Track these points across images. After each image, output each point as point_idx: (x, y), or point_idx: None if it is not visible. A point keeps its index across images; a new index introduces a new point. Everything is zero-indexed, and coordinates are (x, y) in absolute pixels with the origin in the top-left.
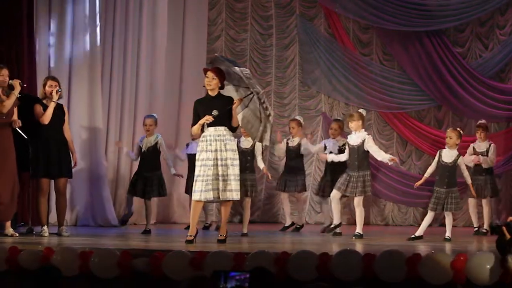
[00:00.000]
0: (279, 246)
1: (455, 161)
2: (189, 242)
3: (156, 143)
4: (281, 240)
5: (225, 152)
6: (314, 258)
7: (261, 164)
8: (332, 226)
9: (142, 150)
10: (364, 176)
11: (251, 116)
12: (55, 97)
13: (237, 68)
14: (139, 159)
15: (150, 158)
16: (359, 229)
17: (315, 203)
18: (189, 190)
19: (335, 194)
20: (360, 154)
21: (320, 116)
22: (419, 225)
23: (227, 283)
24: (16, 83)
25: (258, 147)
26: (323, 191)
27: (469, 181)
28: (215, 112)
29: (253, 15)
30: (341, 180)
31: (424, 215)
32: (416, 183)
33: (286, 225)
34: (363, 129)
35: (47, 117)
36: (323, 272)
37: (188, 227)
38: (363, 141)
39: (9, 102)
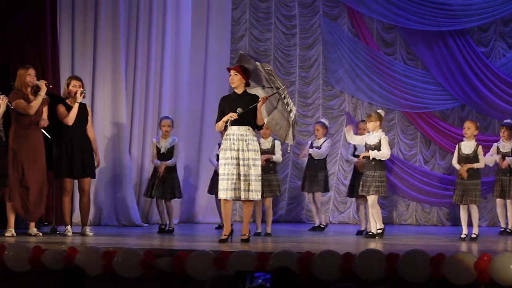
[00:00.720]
0: (302, 246)
1: (475, 151)
2: (223, 241)
3: (173, 146)
4: (305, 240)
5: (247, 152)
6: (338, 258)
7: (279, 159)
8: (375, 232)
9: (161, 151)
10: (381, 176)
11: (279, 117)
12: (79, 98)
13: (258, 63)
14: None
15: (167, 160)
16: (379, 225)
17: (339, 203)
18: (212, 189)
19: (373, 199)
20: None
21: (343, 116)
22: (443, 224)
23: (252, 283)
24: (42, 83)
25: (278, 144)
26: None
27: (480, 165)
28: (239, 110)
29: (276, 14)
30: (360, 182)
31: (448, 214)
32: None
33: (316, 225)
34: (381, 129)
35: (70, 119)
36: (347, 272)
37: (218, 227)
38: (380, 141)
39: (36, 103)
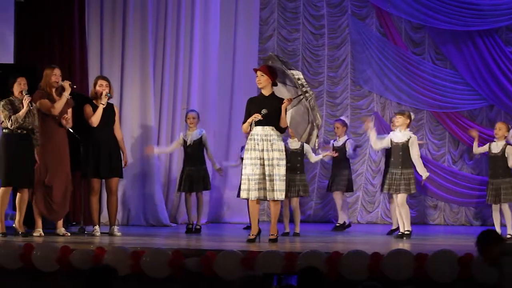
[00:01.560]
0: (330, 246)
1: (503, 150)
2: (251, 241)
3: (201, 138)
4: (333, 240)
5: (271, 152)
6: (366, 258)
7: (315, 159)
8: (403, 232)
9: (187, 143)
10: (408, 174)
11: (298, 116)
12: (103, 100)
13: (289, 71)
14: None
15: (195, 152)
16: (407, 227)
17: (367, 203)
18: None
19: (401, 197)
20: (404, 152)
21: (372, 116)
22: (471, 224)
23: (279, 283)
24: (66, 84)
25: (307, 146)
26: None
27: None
28: (264, 111)
29: (305, 14)
30: (387, 181)
31: (476, 214)
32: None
33: (339, 223)
34: (408, 129)
35: (95, 120)
36: (375, 271)
37: (246, 227)
38: (408, 140)
39: (60, 104)
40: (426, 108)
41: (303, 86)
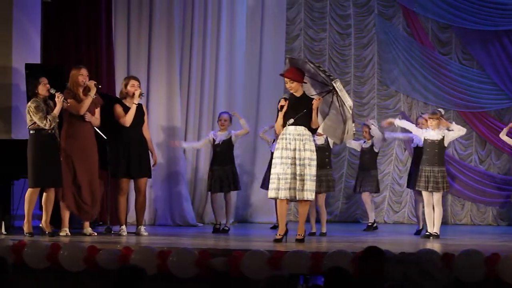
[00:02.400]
0: (357, 246)
1: None
2: (278, 241)
3: (230, 137)
4: (359, 240)
5: (303, 152)
6: None
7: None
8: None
9: (216, 143)
10: (442, 172)
11: (332, 122)
12: (137, 99)
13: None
14: (211, 153)
15: (223, 152)
16: (437, 229)
17: (394, 203)
18: (266, 184)
19: (428, 199)
20: (440, 150)
21: (399, 116)
22: (498, 224)
23: (306, 283)
24: (91, 84)
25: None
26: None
27: None
28: (290, 121)
29: (331, 14)
30: (421, 178)
31: (503, 214)
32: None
33: (369, 224)
34: (440, 127)
35: (128, 120)
36: None
37: (273, 227)
38: (443, 137)
39: (86, 103)
40: (453, 108)
41: (325, 72)
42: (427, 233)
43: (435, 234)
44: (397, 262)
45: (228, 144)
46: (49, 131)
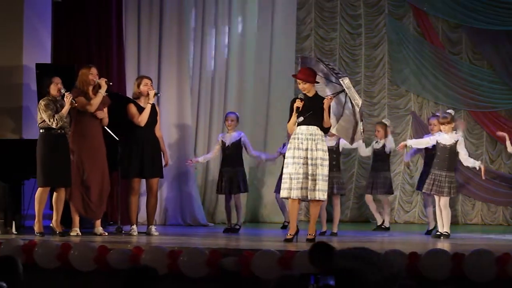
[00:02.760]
0: (368, 246)
1: None
2: (288, 240)
3: (240, 139)
4: (370, 240)
5: (315, 152)
6: (404, 258)
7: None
8: (442, 232)
9: (226, 145)
10: (451, 177)
11: (347, 122)
12: (151, 99)
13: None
14: (221, 156)
15: (233, 154)
16: (447, 229)
17: (404, 202)
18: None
19: (438, 200)
20: (451, 155)
21: (409, 115)
22: (509, 224)
23: (317, 283)
24: (102, 82)
25: (344, 143)
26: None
27: None
28: (300, 119)
29: (342, 14)
30: (430, 181)
31: None
32: None
33: (378, 224)
34: (454, 131)
35: (143, 119)
36: (412, 271)
37: (283, 227)
38: (456, 142)
39: (96, 101)
40: (464, 108)
41: (334, 70)
42: (438, 233)
43: (446, 233)
44: (345, 257)
45: (237, 146)
46: (59, 131)
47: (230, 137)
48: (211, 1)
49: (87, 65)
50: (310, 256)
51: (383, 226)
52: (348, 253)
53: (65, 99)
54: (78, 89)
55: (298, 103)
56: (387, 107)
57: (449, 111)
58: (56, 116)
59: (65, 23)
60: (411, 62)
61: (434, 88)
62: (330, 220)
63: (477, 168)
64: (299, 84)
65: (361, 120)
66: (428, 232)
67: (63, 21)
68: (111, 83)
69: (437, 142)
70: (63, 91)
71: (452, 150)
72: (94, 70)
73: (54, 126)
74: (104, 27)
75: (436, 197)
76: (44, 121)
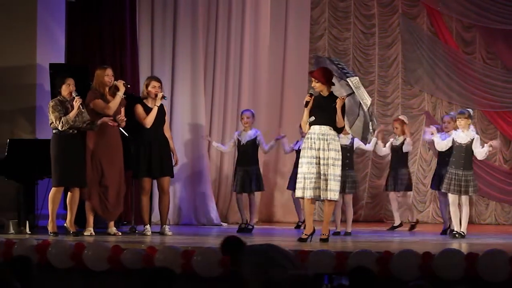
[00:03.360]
0: (382, 246)
1: None
2: (302, 240)
3: (256, 138)
4: (384, 239)
5: (327, 152)
6: (417, 258)
7: (370, 147)
8: (459, 232)
9: (241, 143)
10: (468, 176)
11: (362, 122)
12: (158, 101)
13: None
14: (236, 153)
15: (248, 152)
16: (464, 228)
17: (418, 202)
18: (292, 185)
19: (453, 199)
20: (467, 153)
21: (423, 115)
22: None
23: (331, 283)
24: (120, 83)
25: (358, 142)
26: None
27: None
28: (311, 119)
29: (356, 14)
30: (446, 180)
31: None
32: None
33: (395, 225)
34: (472, 128)
35: (149, 121)
36: (426, 271)
37: (297, 226)
38: (472, 140)
39: (115, 103)
40: (477, 108)
41: (343, 69)
42: (454, 232)
43: (462, 233)
44: (250, 252)
45: (252, 145)
46: (71, 131)
47: (246, 135)
48: (225, 0)
49: (102, 66)
50: (221, 248)
51: (412, 224)
52: (256, 249)
53: (74, 103)
54: (95, 91)
55: (307, 98)
56: (401, 107)
57: (469, 109)
58: (62, 119)
59: (79, 23)
60: (424, 62)
61: (447, 88)
62: (344, 220)
63: (490, 149)
64: (313, 82)
65: (371, 120)
66: (444, 232)
67: (77, 21)
68: (129, 86)
69: (453, 140)
70: (74, 94)
71: (468, 149)
72: (109, 71)
73: (60, 128)
74: (118, 27)
75: (451, 196)
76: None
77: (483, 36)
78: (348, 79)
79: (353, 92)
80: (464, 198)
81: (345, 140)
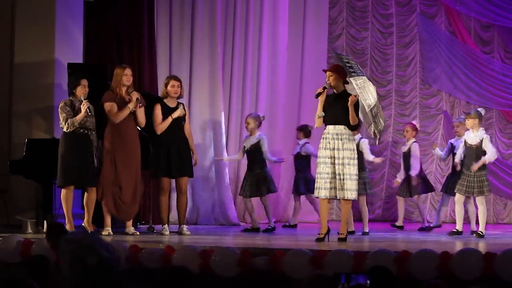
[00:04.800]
0: (400, 245)
1: None
2: (320, 240)
3: (259, 142)
4: (401, 239)
5: (342, 151)
6: (435, 257)
7: (370, 158)
8: (478, 232)
9: (246, 149)
10: (480, 176)
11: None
12: (176, 114)
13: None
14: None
15: (253, 157)
16: (482, 228)
17: (436, 202)
18: (294, 189)
19: (459, 197)
20: (478, 153)
21: (441, 115)
22: None
23: (348, 282)
24: (134, 97)
25: (363, 144)
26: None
27: None
28: (320, 114)
29: (373, 13)
30: (459, 181)
31: None
32: None
33: (431, 225)
34: (481, 128)
35: (160, 129)
36: (444, 271)
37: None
38: (481, 140)
39: (122, 115)
40: (496, 107)
41: (351, 67)
42: (454, 230)
43: (480, 233)
44: (67, 240)
45: (257, 149)
46: (81, 130)
47: (250, 140)
48: (243, 1)
49: (121, 65)
50: (46, 233)
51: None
52: (72, 238)
53: (81, 106)
54: (111, 93)
55: (320, 89)
56: (419, 106)
57: (479, 109)
58: (69, 121)
59: (97, 23)
60: (442, 61)
61: (466, 87)
62: (360, 219)
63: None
64: (328, 76)
65: (374, 122)
66: (451, 233)
67: (94, 20)
68: (140, 105)
69: (464, 141)
70: (82, 97)
71: (478, 149)
72: (128, 71)
73: (65, 129)
74: (136, 27)
75: (458, 196)
76: None
77: (501, 36)
78: (352, 78)
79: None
80: (481, 198)
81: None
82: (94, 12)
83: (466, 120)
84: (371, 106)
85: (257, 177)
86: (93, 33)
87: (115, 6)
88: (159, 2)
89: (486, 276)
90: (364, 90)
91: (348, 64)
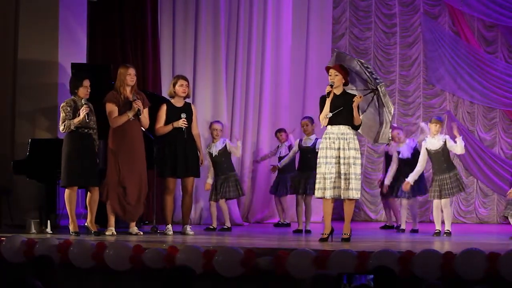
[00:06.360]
0: (403, 245)
1: None
2: (323, 240)
3: (225, 146)
4: (405, 239)
5: (348, 151)
6: (439, 257)
7: None
8: (436, 231)
9: (213, 155)
10: (457, 175)
11: (369, 120)
12: (180, 123)
13: (356, 60)
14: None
15: (222, 162)
16: (448, 226)
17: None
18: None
19: (437, 203)
20: (446, 155)
21: (444, 115)
22: None
23: (351, 282)
24: (135, 106)
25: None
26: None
27: None
28: (328, 115)
29: (377, 13)
30: (432, 188)
31: None
32: None
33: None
34: (439, 134)
35: (161, 132)
36: (447, 271)
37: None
38: (444, 142)
39: (120, 121)
40: (499, 107)
41: (372, 74)
42: (436, 231)
43: (447, 231)
44: None
45: (224, 153)
46: (86, 130)
47: (215, 146)
48: (246, 0)
49: (125, 65)
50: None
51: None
52: None
53: (80, 110)
54: (115, 92)
55: (328, 88)
56: (422, 106)
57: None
58: (66, 122)
59: (100, 23)
60: (446, 61)
61: (469, 87)
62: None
63: (461, 140)
64: (330, 76)
65: (390, 127)
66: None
67: (98, 21)
68: (140, 115)
69: (427, 150)
70: (83, 101)
71: (445, 152)
72: (132, 71)
73: (61, 130)
74: (139, 27)
75: (437, 202)
76: None
77: (505, 36)
78: (378, 86)
79: (370, 92)
80: (445, 200)
81: (308, 141)
82: (97, 12)
83: (433, 125)
84: (391, 112)
85: (226, 180)
86: (97, 33)
87: (119, 6)
88: (162, 2)
89: (490, 276)
90: (386, 98)
91: (369, 70)
